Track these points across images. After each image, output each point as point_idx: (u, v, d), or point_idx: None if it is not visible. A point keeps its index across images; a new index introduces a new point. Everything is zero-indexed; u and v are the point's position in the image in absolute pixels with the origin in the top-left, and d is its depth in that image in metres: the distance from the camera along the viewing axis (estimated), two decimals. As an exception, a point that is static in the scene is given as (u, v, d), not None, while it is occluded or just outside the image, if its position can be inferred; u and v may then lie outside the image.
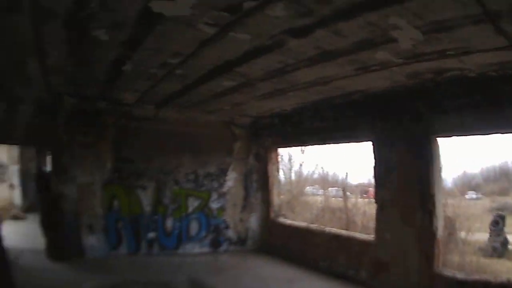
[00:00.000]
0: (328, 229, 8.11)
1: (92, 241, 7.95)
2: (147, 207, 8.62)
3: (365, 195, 12.60)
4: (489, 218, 13.21)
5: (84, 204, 7.94)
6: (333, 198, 12.89)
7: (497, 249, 11.64)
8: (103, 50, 4.78)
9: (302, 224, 8.93)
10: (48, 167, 21.24)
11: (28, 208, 14.14)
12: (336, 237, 7.62)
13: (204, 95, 7.16)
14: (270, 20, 3.65)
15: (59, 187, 7.80)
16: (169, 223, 8.84)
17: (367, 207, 10.26)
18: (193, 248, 9.03)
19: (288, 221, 9.34)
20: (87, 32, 4.17)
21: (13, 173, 14.84)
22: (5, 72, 5.96)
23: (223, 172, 9.47)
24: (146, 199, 8.61)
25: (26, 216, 13.18)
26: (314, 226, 8.51)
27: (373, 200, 6.79)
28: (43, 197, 8.27)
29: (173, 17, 3.70)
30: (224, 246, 9.37)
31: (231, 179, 9.53)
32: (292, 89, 6.38)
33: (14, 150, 14.72)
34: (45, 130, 7.89)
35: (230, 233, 9.48)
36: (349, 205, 10.88)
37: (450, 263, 7.33)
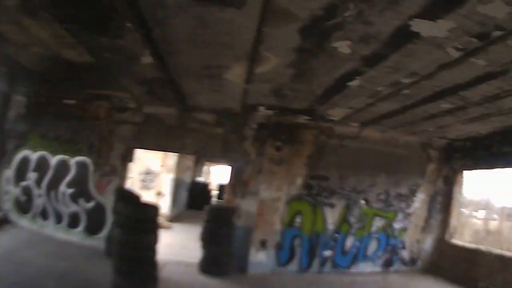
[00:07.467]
0: (495, 250, 7.83)
1: (260, 257, 7.99)
2: (330, 225, 8.51)
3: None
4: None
5: (262, 219, 7.97)
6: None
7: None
8: (337, 63, 4.53)
9: (471, 245, 8.61)
10: (203, 178, 21.06)
11: (175, 218, 13.73)
12: (500, 258, 7.47)
13: (416, 116, 6.93)
14: (507, 49, 3.67)
15: (236, 200, 7.95)
16: (349, 242, 8.68)
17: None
18: (366, 267, 8.81)
19: (460, 242, 8.97)
20: (325, 42, 3.93)
21: (165, 182, 13.86)
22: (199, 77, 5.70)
23: (413, 193, 9.23)
24: (331, 217, 8.51)
25: (172, 226, 12.27)
26: (482, 247, 8.18)
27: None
28: (208, 211, 7.75)
29: (428, 38, 3.63)
30: (395, 266, 9.10)
31: (418, 201, 9.26)
32: (497, 114, 6.12)
33: (171, 159, 13.90)
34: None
35: (404, 254, 9.20)
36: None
37: None
